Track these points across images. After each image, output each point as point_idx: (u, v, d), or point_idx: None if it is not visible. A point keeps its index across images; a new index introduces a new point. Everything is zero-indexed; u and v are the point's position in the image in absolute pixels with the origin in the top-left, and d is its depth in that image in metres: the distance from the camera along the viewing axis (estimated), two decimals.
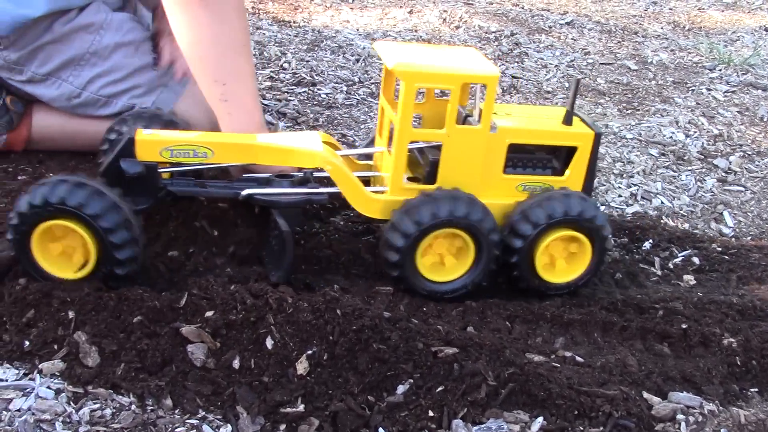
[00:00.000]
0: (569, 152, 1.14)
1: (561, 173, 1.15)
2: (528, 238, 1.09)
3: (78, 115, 1.39)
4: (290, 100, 1.85)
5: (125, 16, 1.39)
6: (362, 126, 1.74)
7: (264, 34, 2.32)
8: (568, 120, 1.13)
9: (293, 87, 1.93)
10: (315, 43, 2.28)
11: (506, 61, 2.34)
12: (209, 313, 0.97)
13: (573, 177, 1.15)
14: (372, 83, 2.02)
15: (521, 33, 2.61)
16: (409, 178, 1.14)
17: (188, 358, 0.92)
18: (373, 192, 1.12)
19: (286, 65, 2.07)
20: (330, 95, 1.91)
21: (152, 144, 1.07)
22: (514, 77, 2.20)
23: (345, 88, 1.96)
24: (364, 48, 2.28)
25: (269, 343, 0.94)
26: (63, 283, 0.99)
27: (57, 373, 0.90)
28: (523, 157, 1.15)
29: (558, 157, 1.16)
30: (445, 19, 2.67)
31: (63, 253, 1.01)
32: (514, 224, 1.10)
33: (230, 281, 1.05)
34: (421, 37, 2.45)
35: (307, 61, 2.12)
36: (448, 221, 1.06)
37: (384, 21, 2.61)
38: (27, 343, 0.93)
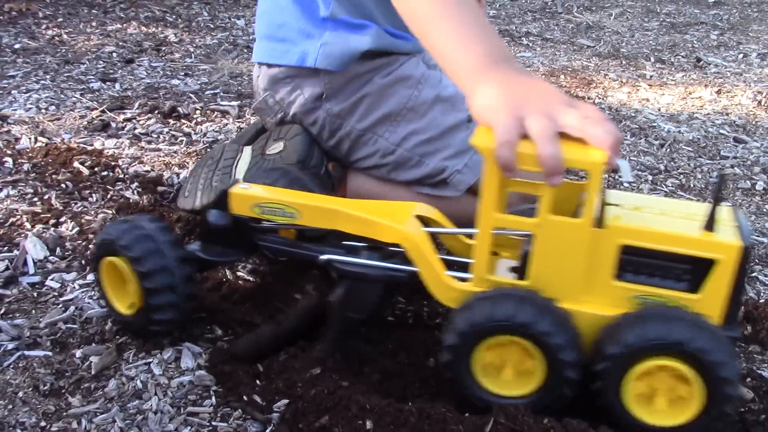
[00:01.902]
0: (709, 266, 0.87)
1: (697, 290, 0.89)
2: (612, 360, 0.86)
3: (388, 183, 1.36)
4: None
5: (441, 74, 1.35)
6: None
7: None
8: (709, 224, 0.87)
9: None
10: (613, 122, 2.12)
11: None
12: None
13: (710, 297, 0.87)
14: (680, 173, 1.81)
15: None
16: (512, 268, 0.98)
17: None
18: (454, 279, 0.95)
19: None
20: (633, 184, 1.73)
21: (245, 198, 1.06)
22: None
23: (650, 177, 1.77)
24: (668, 131, 2.07)
25: None
26: (361, 387, 0.93)
27: None
28: (646, 264, 0.90)
29: (697, 270, 0.88)
30: (760, 102, 2.37)
31: (122, 287, 1.05)
32: (598, 342, 0.88)
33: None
34: (734, 121, 2.19)
35: None
36: (506, 326, 0.88)
37: (688, 101, 2.38)
38: None
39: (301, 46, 1.30)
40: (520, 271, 0.94)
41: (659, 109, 2.27)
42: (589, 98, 2.34)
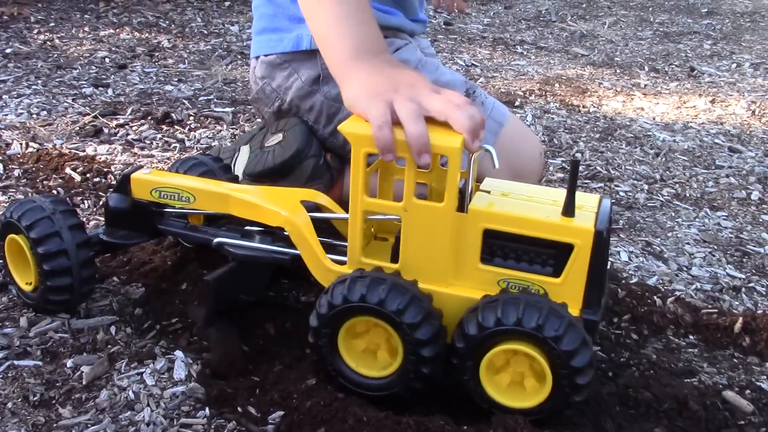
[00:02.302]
0: (570, 251, 0.89)
1: (560, 274, 0.90)
2: (471, 341, 0.87)
3: None
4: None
5: (438, 62, 1.36)
6: (669, 234, 1.53)
7: (552, 119, 2.19)
8: (568, 210, 0.88)
9: (588, 181, 1.78)
10: (608, 131, 2.12)
11: None
12: None
13: (569, 281, 0.89)
14: (675, 182, 1.80)
15: None
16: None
17: None
18: (333, 261, 0.97)
19: (578, 155, 1.93)
20: (629, 194, 1.73)
21: (144, 183, 1.10)
22: None
23: (646, 187, 1.77)
24: (663, 141, 2.07)
25: None
26: (358, 399, 0.92)
27: None
28: (511, 248, 0.91)
29: (559, 256, 0.90)
30: (754, 112, 2.38)
31: (22, 261, 1.08)
32: (461, 322, 0.89)
33: None
34: (728, 131, 2.19)
35: (602, 152, 1.96)
36: (360, 307, 0.89)
37: (682, 110, 2.38)
38: None
39: (294, 32, 1.30)
40: (393, 253, 0.96)
41: (654, 118, 2.27)
42: (583, 107, 2.33)
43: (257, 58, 1.38)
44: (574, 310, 0.88)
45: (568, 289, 0.89)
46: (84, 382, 0.99)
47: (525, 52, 3.00)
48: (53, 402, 0.96)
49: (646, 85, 2.62)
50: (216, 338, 1.04)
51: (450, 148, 0.85)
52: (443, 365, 0.90)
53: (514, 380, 0.89)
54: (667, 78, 2.73)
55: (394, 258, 0.96)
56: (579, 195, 0.90)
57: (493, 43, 3.10)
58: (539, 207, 0.91)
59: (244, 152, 1.39)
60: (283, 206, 1.02)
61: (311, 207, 1.05)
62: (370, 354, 0.94)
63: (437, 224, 0.90)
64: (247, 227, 1.10)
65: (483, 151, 0.90)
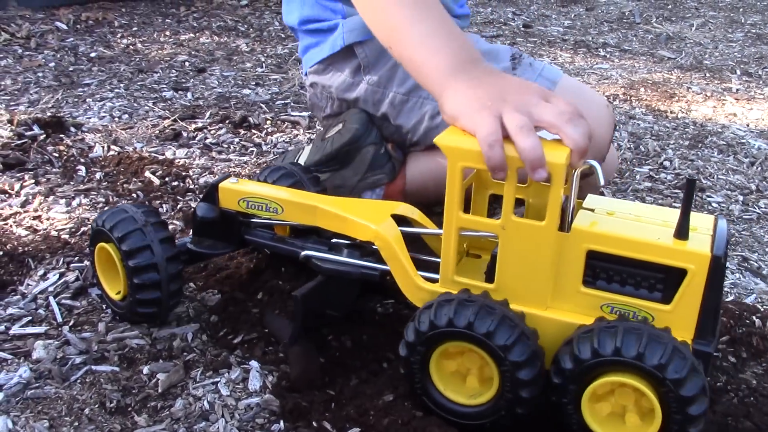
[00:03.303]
0: (681, 276, 0.80)
1: (670, 301, 0.82)
2: (569, 375, 0.80)
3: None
4: (676, 207, 1.61)
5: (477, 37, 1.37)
6: (767, 248, 1.44)
7: (639, 125, 2.10)
8: (681, 232, 0.80)
9: (677, 191, 1.69)
10: (698, 138, 2.02)
11: None
12: None
13: (681, 308, 0.81)
14: None
15: None
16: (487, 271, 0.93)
17: None
18: (424, 279, 0.91)
19: (666, 163, 1.84)
20: (723, 205, 1.63)
21: (232, 193, 1.08)
22: None
23: (741, 198, 1.67)
24: (759, 148, 1.96)
25: None
26: (437, 418, 0.88)
27: None
28: (615, 271, 0.84)
29: (670, 280, 0.82)
30: None
31: (111, 269, 1.07)
32: (557, 355, 0.82)
33: None
34: None
35: (692, 161, 1.86)
36: (451, 333, 0.83)
37: None
38: None
39: (330, 38, 1.33)
40: (489, 273, 0.90)
41: (748, 125, 2.16)
42: (671, 112, 2.23)
43: (307, 74, 1.42)
44: (686, 340, 0.81)
45: (679, 317, 0.82)
46: (160, 390, 0.98)
47: (608, 55, 2.90)
48: (129, 409, 0.95)
49: (738, 90, 2.49)
50: (296, 354, 1.01)
51: (554, 164, 0.79)
52: (542, 390, 0.85)
53: (615, 411, 0.82)
54: (761, 82, 2.59)
55: (489, 277, 0.90)
56: (692, 215, 0.83)
57: (575, 46, 3.01)
58: (648, 228, 0.85)
59: (308, 147, 1.42)
60: (372, 219, 0.98)
61: (402, 221, 1.00)
62: (466, 380, 0.88)
63: (537, 244, 0.84)
64: (334, 240, 1.06)
65: (587, 166, 0.85)
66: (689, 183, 0.80)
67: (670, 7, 3.82)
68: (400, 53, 0.98)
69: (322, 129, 1.51)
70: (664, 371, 0.76)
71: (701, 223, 0.85)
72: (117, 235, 1.02)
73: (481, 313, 0.82)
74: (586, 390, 0.80)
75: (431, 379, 0.88)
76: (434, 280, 0.92)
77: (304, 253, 1.04)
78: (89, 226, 1.37)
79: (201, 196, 1.13)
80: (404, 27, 0.97)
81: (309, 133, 1.95)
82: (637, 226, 0.85)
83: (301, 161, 1.39)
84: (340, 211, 1.01)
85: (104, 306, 1.15)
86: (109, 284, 1.10)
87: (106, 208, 1.07)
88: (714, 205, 1.63)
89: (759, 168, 1.84)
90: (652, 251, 0.81)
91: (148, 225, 1.03)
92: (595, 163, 0.85)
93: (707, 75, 2.66)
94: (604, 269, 0.85)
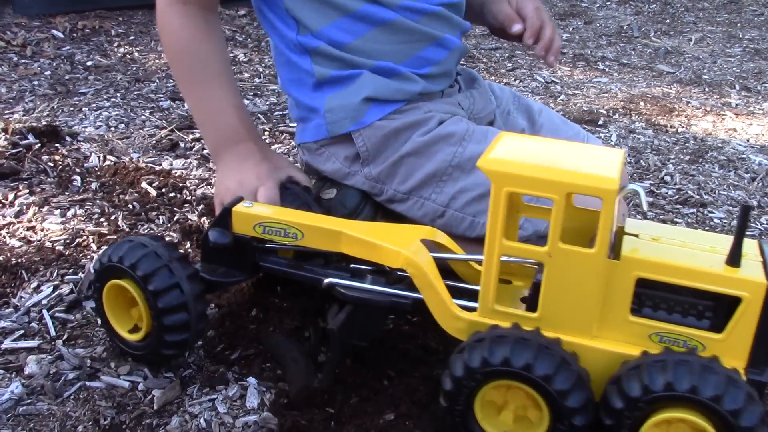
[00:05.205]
0: (733, 304, 0.79)
1: (721, 329, 0.80)
2: (620, 414, 0.77)
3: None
4: (677, 222, 1.60)
5: (488, 129, 1.23)
6: None
7: (639, 139, 2.09)
8: (733, 259, 0.78)
9: (678, 206, 1.68)
10: (698, 153, 2.00)
11: None
12: None
13: (734, 337, 0.79)
14: None
15: None
16: (524, 297, 0.91)
17: None
18: (461, 308, 0.88)
19: (667, 178, 1.82)
20: (724, 220, 1.62)
21: (247, 217, 1.02)
22: None
23: None
24: (760, 164, 1.95)
25: None
26: None
27: None
28: (662, 299, 0.82)
29: (721, 308, 0.80)
30: None
31: (124, 308, 1.02)
32: (606, 393, 0.79)
33: None
34: None
35: (693, 176, 1.85)
36: (504, 371, 0.80)
37: None
38: None
39: (314, 121, 1.22)
40: (531, 301, 0.87)
41: (748, 140, 2.15)
42: (671, 127, 2.22)
43: (298, 144, 1.31)
44: (737, 369, 0.79)
45: (731, 346, 0.80)
46: (155, 407, 0.96)
47: (607, 69, 2.90)
48: (123, 427, 0.93)
49: (737, 105, 2.48)
50: (293, 371, 0.99)
51: (606, 190, 0.77)
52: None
53: None
54: (760, 97, 2.59)
55: (531, 305, 0.87)
56: (729, 239, 0.82)
57: (574, 60, 3.00)
58: (698, 254, 0.83)
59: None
60: (402, 245, 0.94)
61: (431, 247, 0.97)
62: (501, 413, 0.85)
63: (585, 272, 0.81)
64: (353, 265, 1.02)
65: (630, 191, 0.83)
66: (744, 209, 0.78)
67: (668, 21, 3.82)
68: (196, 118, 1.26)
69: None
70: (721, 403, 0.74)
71: (747, 249, 0.83)
72: (142, 273, 0.94)
73: (541, 356, 0.79)
74: (641, 429, 0.78)
75: (474, 414, 0.84)
76: (468, 308, 0.89)
77: (327, 280, 0.98)
78: (83, 237, 1.35)
79: (212, 220, 1.06)
80: (186, 91, 1.23)
81: None
82: (686, 252, 0.83)
83: None
84: (368, 236, 0.97)
85: (98, 320, 1.13)
86: (119, 323, 1.02)
87: (113, 243, 1.00)
88: (716, 221, 1.62)
89: (760, 184, 1.83)
90: (705, 279, 0.80)
91: (173, 261, 0.96)
92: (638, 188, 0.83)
93: (706, 90, 2.65)
94: (650, 297, 0.83)
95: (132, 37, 2.89)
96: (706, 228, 1.58)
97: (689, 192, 1.74)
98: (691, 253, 0.82)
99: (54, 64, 2.49)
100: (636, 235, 0.85)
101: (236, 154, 1.18)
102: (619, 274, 0.82)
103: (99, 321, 1.07)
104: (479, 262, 0.96)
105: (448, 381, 0.83)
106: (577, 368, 0.80)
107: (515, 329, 0.82)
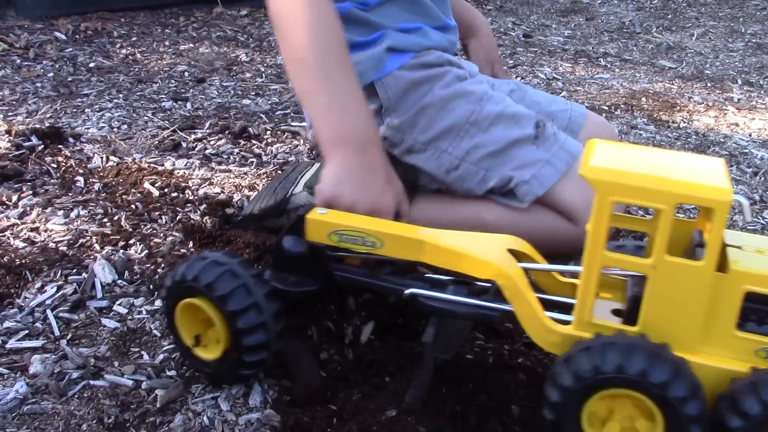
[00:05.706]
0: None
1: None
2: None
3: (454, 204, 1.32)
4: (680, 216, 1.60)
5: (506, 96, 1.35)
6: None
7: (641, 134, 2.09)
8: None
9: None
10: (701, 149, 2.00)
11: None
12: None
13: None
14: None
15: None
16: (615, 310, 0.89)
17: None
18: (554, 320, 0.86)
19: None
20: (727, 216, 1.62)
21: (322, 225, 0.98)
22: None
23: None
24: (762, 159, 1.95)
25: None
26: None
27: None
28: (766, 313, 0.81)
29: None
30: None
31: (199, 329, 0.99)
32: (719, 410, 0.78)
33: None
34: None
35: None
36: (616, 379, 0.77)
37: None
38: None
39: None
40: (628, 315, 0.85)
41: (750, 135, 2.14)
42: (673, 122, 2.22)
43: None
44: None
45: None
46: (158, 405, 0.96)
47: (609, 65, 2.89)
48: (127, 425, 0.93)
49: (739, 100, 2.48)
50: (297, 367, 0.99)
51: (719, 201, 0.75)
52: None
53: None
54: (762, 92, 2.58)
55: (629, 318, 0.85)
56: None
57: (575, 56, 3.00)
58: None
59: (316, 166, 1.39)
60: (491, 255, 0.91)
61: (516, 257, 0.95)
62: (605, 425, 0.83)
63: (692, 285, 0.79)
64: (429, 275, 1.00)
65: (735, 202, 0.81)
66: None
67: (670, 17, 3.81)
68: (307, 109, 1.12)
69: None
70: None
71: None
72: (220, 293, 0.92)
73: (657, 362, 0.77)
74: None
75: (581, 426, 0.82)
76: (563, 322, 0.87)
77: (409, 290, 0.96)
78: (87, 238, 1.36)
79: (284, 228, 1.02)
80: (311, 93, 1.08)
81: (309, 143, 1.93)
82: None
83: (304, 179, 1.36)
84: (454, 246, 0.94)
85: (102, 319, 1.13)
86: (188, 338, 1.00)
87: (187, 262, 0.97)
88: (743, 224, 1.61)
89: (762, 178, 1.83)
90: None
91: (250, 279, 0.94)
92: (742, 199, 0.82)
93: (708, 85, 2.65)
94: (755, 311, 0.81)
95: (134, 39, 2.90)
96: None
97: None
98: None
99: (57, 66, 2.50)
100: (739, 247, 0.82)
101: (361, 158, 1.06)
102: (728, 287, 0.79)
103: (171, 338, 1.05)
104: (563, 273, 0.97)
105: (554, 392, 0.81)
106: (693, 375, 0.78)
107: (622, 336, 0.80)
